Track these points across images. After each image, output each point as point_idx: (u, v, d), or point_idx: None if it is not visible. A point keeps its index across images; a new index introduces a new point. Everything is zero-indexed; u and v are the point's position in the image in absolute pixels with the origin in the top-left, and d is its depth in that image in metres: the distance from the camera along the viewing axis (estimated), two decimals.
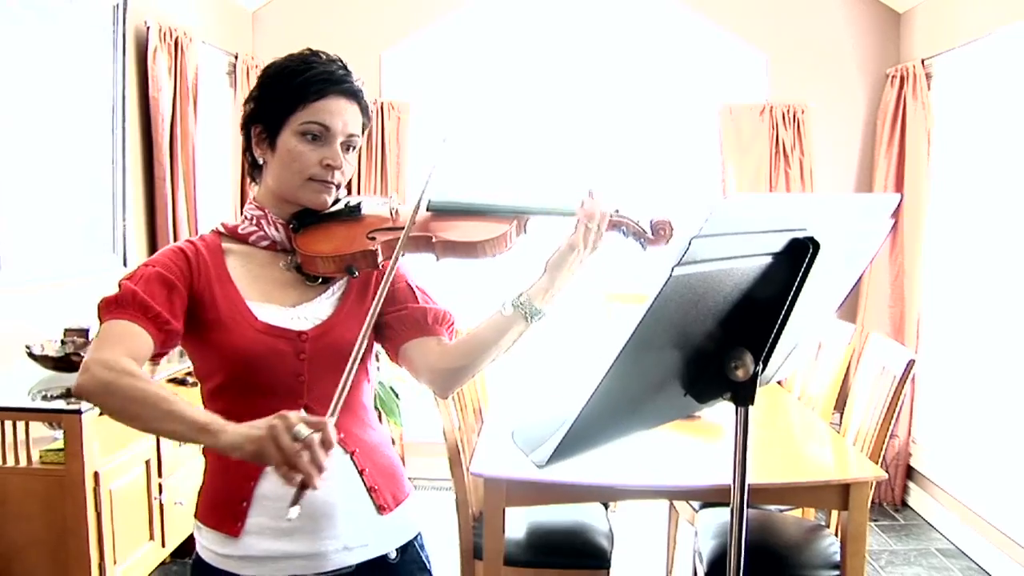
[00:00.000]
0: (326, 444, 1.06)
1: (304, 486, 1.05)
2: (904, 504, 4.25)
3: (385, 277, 1.26)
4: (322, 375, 1.30)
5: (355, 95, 1.33)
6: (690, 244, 0.79)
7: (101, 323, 1.24)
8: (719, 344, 0.97)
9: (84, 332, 2.66)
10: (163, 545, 2.60)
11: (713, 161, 4.39)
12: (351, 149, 1.34)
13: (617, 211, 1.37)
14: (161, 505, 2.55)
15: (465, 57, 4.46)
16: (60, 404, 2.27)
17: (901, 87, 4.15)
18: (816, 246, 0.95)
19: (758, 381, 1.02)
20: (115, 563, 2.28)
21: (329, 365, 1.30)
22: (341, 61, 1.35)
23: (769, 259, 0.93)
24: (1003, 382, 3.56)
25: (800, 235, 0.94)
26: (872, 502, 4.15)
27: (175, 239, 3.54)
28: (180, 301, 1.27)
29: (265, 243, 1.36)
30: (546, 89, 4.44)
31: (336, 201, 1.37)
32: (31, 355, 2.49)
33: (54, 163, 2.90)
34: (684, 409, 1.04)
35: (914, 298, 4.16)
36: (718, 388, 1.01)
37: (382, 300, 1.23)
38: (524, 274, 1.35)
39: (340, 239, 1.32)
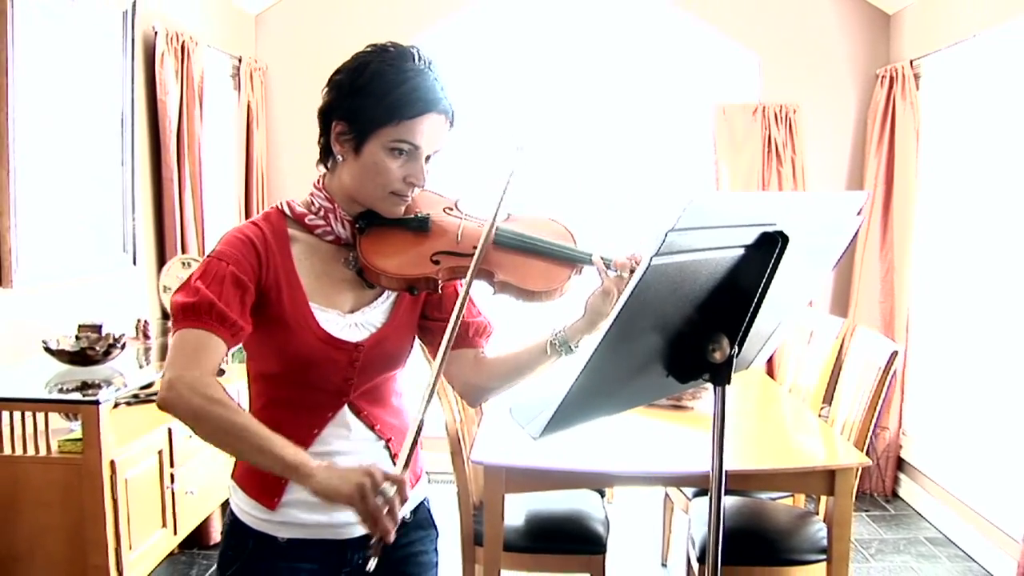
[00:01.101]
0: (403, 499, 1.16)
1: (382, 540, 1.15)
2: (895, 495, 4.34)
3: (454, 317, 1.27)
4: (369, 378, 1.40)
5: (447, 111, 1.33)
6: (666, 237, 0.88)
7: (176, 328, 1.24)
8: (697, 328, 1.06)
9: (97, 328, 2.75)
10: (175, 533, 2.69)
11: (707, 160, 4.49)
12: (430, 159, 1.36)
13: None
14: (173, 494, 2.64)
15: (464, 60, 4.55)
16: (77, 396, 2.36)
17: (890, 87, 4.24)
18: (785, 239, 1.04)
19: (734, 364, 1.11)
20: (130, 548, 2.37)
21: (377, 370, 1.40)
22: (432, 67, 1.33)
23: (742, 251, 1.03)
24: (991, 375, 3.65)
25: (770, 229, 1.03)
26: (864, 493, 4.30)
27: (182, 239, 3.62)
28: (250, 300, 1.29)
29: (330, 237, 1.37)
30: (544, 90, 4.53)
31: None
32: (48, 350, 2.58)
33: (67, 165, 2.99)
34: (667, 389, 1.13)
35: (904, 293, 4.25)
36: (697, 369, 1.10)
37: (451, 342, 1.26)
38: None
39: (405, 257, 1.34)
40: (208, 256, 1.31)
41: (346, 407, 1.39)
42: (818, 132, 4.47)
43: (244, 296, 1.27)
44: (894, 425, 4.30)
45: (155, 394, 2.94)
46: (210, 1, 4.04)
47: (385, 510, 1.13)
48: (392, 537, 1.15)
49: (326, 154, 1.38)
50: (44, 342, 2.59)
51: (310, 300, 1.34)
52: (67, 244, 2.98)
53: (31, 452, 2.33)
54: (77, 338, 2.69)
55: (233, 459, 1.44)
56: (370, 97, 1.29)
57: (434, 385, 1.22)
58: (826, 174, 4.50)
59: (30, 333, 2.73)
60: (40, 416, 2.35)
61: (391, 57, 1.32)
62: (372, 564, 1.17)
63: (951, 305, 4.05)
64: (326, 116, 1.35)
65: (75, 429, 2.44)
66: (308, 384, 1.35)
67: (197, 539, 3.53)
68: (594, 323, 1.36)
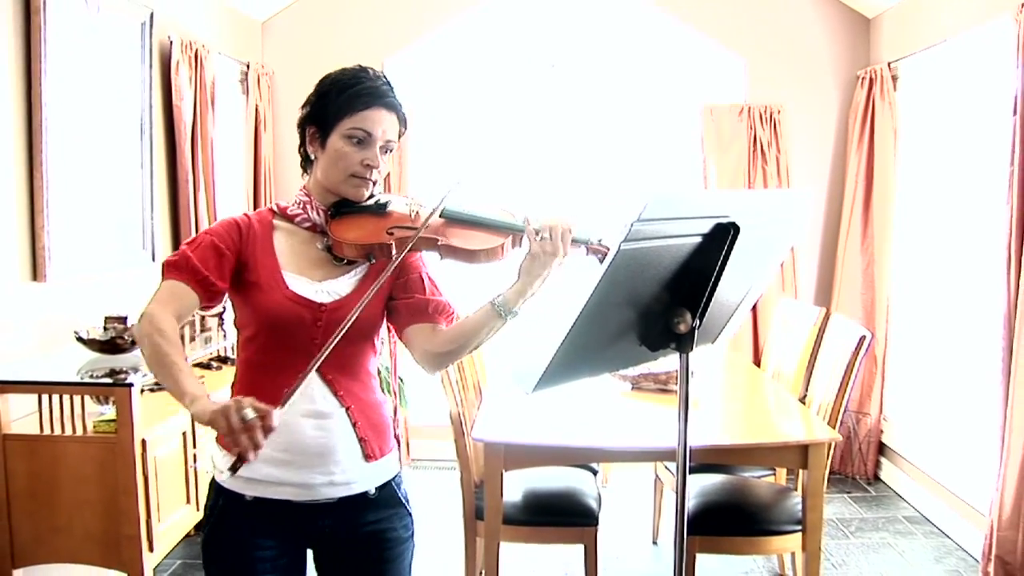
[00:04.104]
0: (267, 429, 1.29)
1: (240, 457, 1.29)
2: (876, 478, 4.54)
3: (389, 264, 1.51)
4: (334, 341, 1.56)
5: (395, 108, 1.59)
6: (632, 227, 1.08)
7: (162, 280, 1.53)
8: (664, 304, 1.26)
9: (123, 319, 2.95)
10: (197, 509, 2.89)
11: (695, 159, 4.69)
12: (388, 152, 1.61)
13: (570, 231, 1.52)
14: (196, 472, 2.85)
15: (462, 63, 4.75)
16: (108, 381, 2.56)
17: (870, 88, 4.44)
18: (736, 229, 1.25)
19: (697, 336, 1.31)
20: (159, 521, 2.58)
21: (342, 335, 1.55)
22: (385, 77, 1.61)
23: (699, 239, 1.23)
24: (966, 363, 3.85)
25: (723, 220, 1.23)
26: (846, 476, 4.52)
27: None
28: (228, 265, 1.54)
29: (307, 224, 1.62)
30: (541, 91, 4.73)
31: (371, 196, 1.64)
32: (80, 339, 2.78)
33: (92, 167, 3.19)
34: (640, 357, 1.33)
35: (884, 285, 4.45)
36: (665, 340, 1.30)
37: (382, 283, 1.50)
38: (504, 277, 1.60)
39: (365, 230, 1.57)
40: (201, 232, 1.60)
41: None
42: (802, 131, 4.67)
43: (221, 260, 1.53)
44: (875, 411, 4.50)
45: None
46: (220, 9, 4.24)
47: (243, 432, 1.27)
48: (250, 456, 1.29)
49: (306, 161, 1.66)
50: (76, 332, 2.79)
51: (283, 269, 1.58)
52: (93, 241, 3.18)
53: (68, 432, 2.54)
54: (105, 329, 2.89)
55: None
56: (329, 98, 1.57)
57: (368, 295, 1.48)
58: (809, 172, 4.70)
59: (60, 324, 2.93)
60: (77, 399, 2.55)
61: (348, 71, 1.61)
62: (227, 476, 1.41)
63: (929, 296, 4.25)
64: (302, 127, 1.63)
65: (106, 412, 2.64)
66: (280, 343, 1.55)
67: None
68: (527, 284, 1.51)
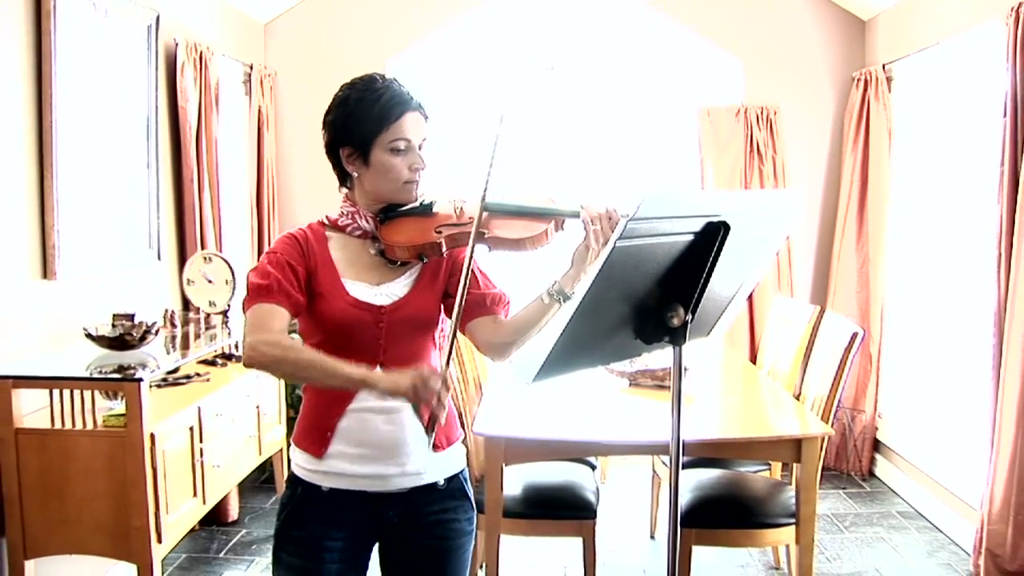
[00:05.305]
0: (447, 389, 1.46)
1: (434, 421, 1.48)
2: (871, 474, 4.61)
3: (465, 269, 1.57)
4: (395, 341, 1.67)
5: (419, 108, 1.66)
6: (626, 225, 1.14)
7: (251, 303, 1.59)
8: (658, 299, 1.32)
9: (130, 317, 3.01)
10: (204, 502, 2.94)
11: (693, 159, 4.75)
12: (422, 147, 1.68)
13: (619, 218, 1.62)
14: (203, 466, 2.90)
15: (462, 64, 4.81)
16: (117, 376, 2.62)
17: (865, 89, 4.50)
18: (727, 228, 1.30)
19: (690, 329, 1.37)
20: (167, 513, 2.63)
21: (401, 333, 1.67)
22: (395, 81, 1.66)
23: (691, 236, 1.29)
24: (958, 360, 3.91)
25: (714, 219, 1.29)
26: (842, 472, 4.59)
27: (201, 235, 3.88)
28: (302, 279, 1.63)
29: (358, 233, 1.70)
30: (540, 94, 4.79)
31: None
32: (89, 336, 2.84)
33: (100, 168, 3.24)
34: (635, 349, 1.39)
35: (879, 284, 4.51)
36: (659, 333, 1.36)
37: (466, 288, 1.57)
38: (555, 263, 1.69)
39: (414, 232, 1.66)
40: (267, 253, 1.67)
41: (379, 369, 1.64)
42: (798, 132, 4.73)
43: (295, 275, 1.62)
44: (870, 408, 4.56)
45: (182, 378, 3.22)
46: (224, 11, 4.30)
47: (434, 399, 1.45)
48: (443, 418, 1.48)
49: (343, 177, 1.72)
50: (85, 329, 2.85)
51: (342, 276, 1.67)
52: (101, 240, 3.24)
53: (79, 426, 2.60)
54: (113, 326, 2.95)
55: (294, 426, 1.75)
56: (360, 119, 1.62)
57: (460, 300, 1.56)
58: (805, 172, 4.76)
59: (69, 321, 2.99)
60: (87, 394, 2.61)
61: (361, 85, 1.65)
62: (430, 441, 1.55)
63: (923, 295, 4.31)
64: (332, 149, 1.68)
65: (115, 406, 2.70)
66: (346, 347, 1.62)
67: (216, 517, 3.79)
68: (579, 271, 1.62)
